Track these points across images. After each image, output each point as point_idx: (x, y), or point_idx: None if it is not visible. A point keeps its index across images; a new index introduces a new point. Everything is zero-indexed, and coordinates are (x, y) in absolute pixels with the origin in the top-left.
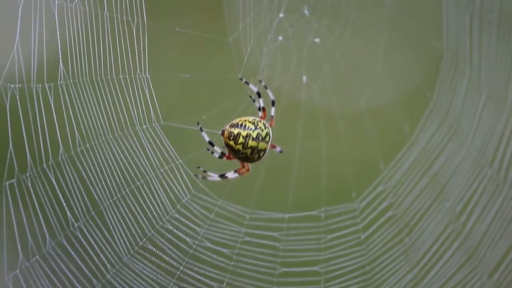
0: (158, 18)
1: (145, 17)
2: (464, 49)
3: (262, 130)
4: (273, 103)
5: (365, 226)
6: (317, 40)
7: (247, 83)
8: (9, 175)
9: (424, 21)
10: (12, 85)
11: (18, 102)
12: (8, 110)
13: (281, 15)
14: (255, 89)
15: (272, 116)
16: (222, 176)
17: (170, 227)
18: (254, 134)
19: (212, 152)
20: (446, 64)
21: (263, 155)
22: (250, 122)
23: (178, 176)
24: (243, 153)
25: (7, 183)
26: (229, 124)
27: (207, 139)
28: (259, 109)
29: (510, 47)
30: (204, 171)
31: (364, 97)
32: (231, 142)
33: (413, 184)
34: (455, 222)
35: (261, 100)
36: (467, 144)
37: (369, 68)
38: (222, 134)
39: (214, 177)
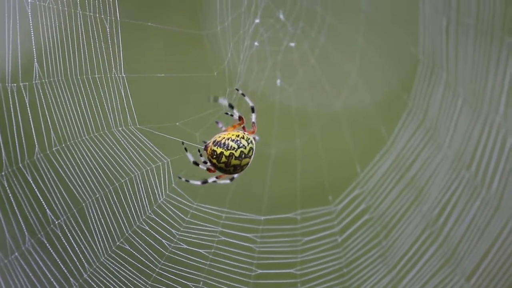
0: (132, 15)
1: (118, 14)
2: (440, 53)
3: (245, 148)
4: (252, 110)
5: (342, 229)
6: (292, 44)
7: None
8: None
9: (401, 24)
10: None
11: None
12: None
13: (257, 20)
14: (225, 102)
15: (253, 123)
16: (204, 182)
17: (146, 227)
18: (237, 154)
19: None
20: (423, 68)
21: (245, 167)
22: (232, 140)
23: (156, 177)
24: (226, 170)
25: None
26: (212, 141)
27: (191, 159)
28: (239, 118)
29: (486, 51)
30: (187, 180)
31: (340, 100)
32: (214, 160)
33: (390, 187)
34: (432, 226)
35: (235, 111)
36: (444, 147)
37: (345, 71)
38: (205, 149)
39: (197, 183)
